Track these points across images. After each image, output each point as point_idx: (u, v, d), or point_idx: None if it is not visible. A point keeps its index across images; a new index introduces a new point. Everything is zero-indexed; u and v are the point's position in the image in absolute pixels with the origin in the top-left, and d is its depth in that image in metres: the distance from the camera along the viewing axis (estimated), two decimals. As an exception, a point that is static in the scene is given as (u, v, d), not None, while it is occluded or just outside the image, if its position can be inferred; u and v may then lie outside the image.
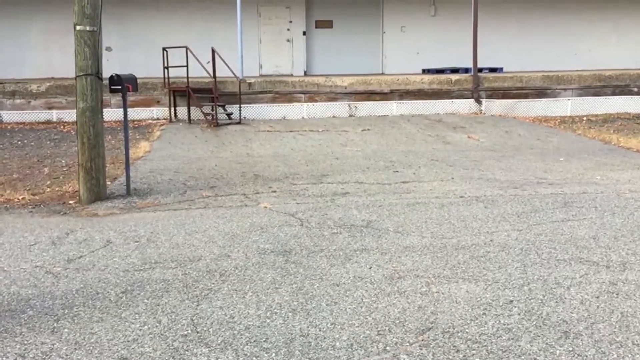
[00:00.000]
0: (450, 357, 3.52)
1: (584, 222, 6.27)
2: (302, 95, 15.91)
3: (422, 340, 3.74)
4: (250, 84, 15.74)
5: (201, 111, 14.60)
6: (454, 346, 3.65)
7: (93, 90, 7.46)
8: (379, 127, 13.90)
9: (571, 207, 6.91)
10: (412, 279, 4.77)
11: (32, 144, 12.42)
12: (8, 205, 7.44)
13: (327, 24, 20.02)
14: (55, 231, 6.27)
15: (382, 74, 19.45)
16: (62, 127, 14.55)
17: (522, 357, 3.51)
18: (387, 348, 3.64)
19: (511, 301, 4.30)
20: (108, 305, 4.35)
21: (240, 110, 15.01)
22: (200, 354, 3.61)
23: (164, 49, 14.90)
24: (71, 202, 7.55)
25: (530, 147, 11.52)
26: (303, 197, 7.63)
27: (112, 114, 14.44)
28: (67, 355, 3.63)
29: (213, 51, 14.36)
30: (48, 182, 8.69)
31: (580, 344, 3.66)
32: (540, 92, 16.62)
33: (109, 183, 8.22)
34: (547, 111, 16.15)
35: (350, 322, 4.00)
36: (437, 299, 4.36)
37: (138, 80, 8.46)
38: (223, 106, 15.04)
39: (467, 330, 3.86)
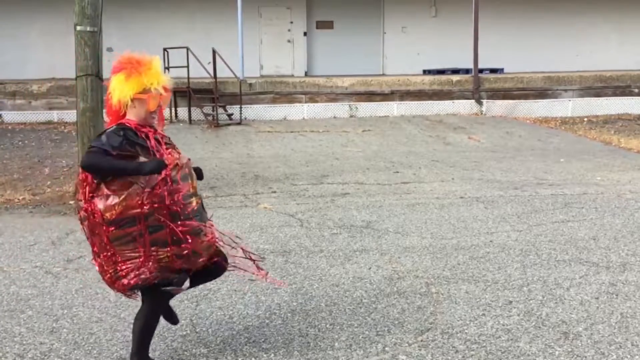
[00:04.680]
0: (449, 357, 3.52)
1: (584, 223, 6.26)
2: (303, 96, 15.91)
3: (421, 340, 3.73)
4: (251, 84, 15.74)
5: (202, 112, 14.60)
6: (453, 347, 3.64)
7: (93, 90, 7.46)
8: (379, 128, 13.90)
9: (571, 207, 6.90)
10: (412, 279, 4.76)
11: (33, 144, 12.42)
12: (8, 206, 7.44)
13: (327, 25, 20.01)
14: (55, 231, 6.27)
15: (383, 74, 19.44)
16: (63, 127, 14.55)
17: (521, 358, 3.50)
18: (386, 349, 3.64)
19: (510, 302, 4.29)
20: (107, 306, 4.35)
21: (240, 110, 15.01)
22: (199, 355, 3.61)
23: (164, 49, 14.89)
24: (71, 202, 7.55)
25: (531, 148, 11.51)
26: (303, 197, 7.63)
27: (112, 114, 14.42)
28: (65, 355, 3.63)
29: (214, 52, 14.37)
30: (48, 183, 8.69)
31: (580, 344, 3.65)
32: (541, 93, 16.60)
33: (109, 183, 8.22)
34: (547, 112, 16.14)
35: (349, 323, 3.99)
36: (437, 299, 4.36)
37: (138, 81, 8.45)
38: (224, 107, 15.04)
39: (466, 330, 3.85)
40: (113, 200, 3.02)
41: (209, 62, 14.72)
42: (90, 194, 3.08)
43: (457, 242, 5.69)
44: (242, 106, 15.13)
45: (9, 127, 14.65)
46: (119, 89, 3.13)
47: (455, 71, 18.16)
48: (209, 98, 14.86)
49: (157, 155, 3.09)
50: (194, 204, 3.17)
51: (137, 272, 3.10)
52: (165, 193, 3.04)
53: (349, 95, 16.05)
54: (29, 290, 4.66)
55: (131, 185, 3.03)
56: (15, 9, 18.43)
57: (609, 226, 6.15)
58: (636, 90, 16.77)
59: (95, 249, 3.19)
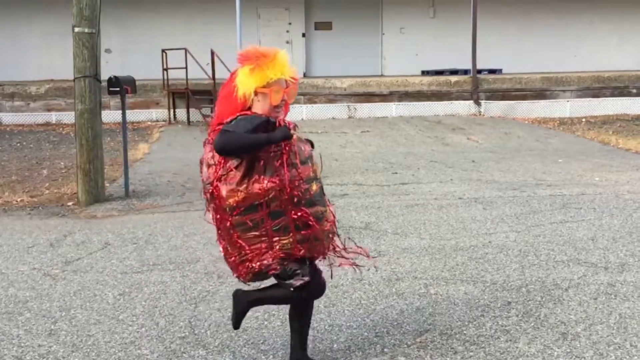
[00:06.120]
0: (448, 358, 3.52)
1: (582, 224, 6.26)
2: (302, 97, 15.90)
3: (420, 342, 3.73)
4: (249, 85, 15.71)
5: (200, 113, 14.61)
6: (452, 348, 3.64)
7: (91, 92, 7.46)
8: (378, 129, 13.90)
9: (570, 208, 6.90)
10: (410, 280, 4.76)
11: (31, 145, 12.42)
12: (6, 208, 7.43)
13: (326, 26, 20.01)
14: (54, 233, 6.27)
15: (382, 75, 19.45)
16: (61, 129, 14.55)
17: (520, 359, 3.50)
18: (385, 350, 3.64)
19: (509, 302, 4.29)
20: (106, 308, 4.34)
21: (239, 112, 14.99)
22: (198, 357, 3.60)
23: (163, 50, 14.90)
24: (70, 204, 7.55)
25: (529, 148, 11.52)
26: (302, 198, 7.62)
27: (111, 115, 14.44)
28: (64, 357, 3.62)
29: (212, 53, 14.37)
30: (47, 184, 8.68)
31: (578, 345, 3.65)
32: (539, 94, 16.62)
33: (107, 185, 8.21)
34: (546, 113, 16.15)
35: (348, 324, 3.99)
36: (435, 300, 4.36)
37: (137, 82, 8.46)
38: (222, 108, 15.03)
39: (465, 332, 3.85)
40: (237, 186, 3.04)
41: (208, 64, 14.72)
42: (219, 177, 3.09)
43: (455, 243, 5.69)
44: (241, 107, 15.11)
45: (7, 129, 14.65)
46: (243, 83, 3.09)
47: (454, 72, 18.16)
48: (208, 99, 14.86)
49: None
50: (315, 187, 3.15)
51: (261, 258, 3.11)
52: (286, 178, 3.03)
53: (348, 96, 16.06)
54: (27, 293, 4.65)
55: (254, 172, 3.04)
56: (14, 10, 18.41)
57: (607, 227, 6.15)
58: (634, 91, 16.79)
59: (220, 231, 3.22)
